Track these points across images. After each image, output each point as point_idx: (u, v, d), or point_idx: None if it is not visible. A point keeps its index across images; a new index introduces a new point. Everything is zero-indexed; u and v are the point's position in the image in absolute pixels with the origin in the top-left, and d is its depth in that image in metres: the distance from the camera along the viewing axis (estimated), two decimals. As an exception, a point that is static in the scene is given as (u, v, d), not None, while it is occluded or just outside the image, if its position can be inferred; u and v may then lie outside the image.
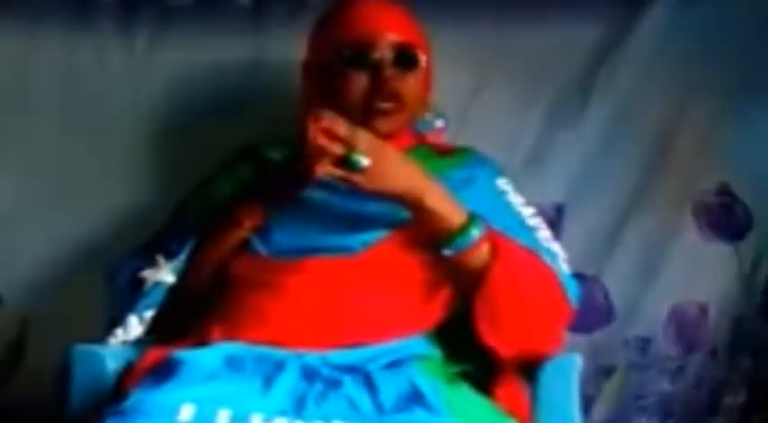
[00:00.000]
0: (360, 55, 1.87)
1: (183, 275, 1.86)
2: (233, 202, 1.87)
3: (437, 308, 1.83)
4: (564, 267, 1.87)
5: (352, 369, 1.69)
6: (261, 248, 1.84)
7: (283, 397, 1.64)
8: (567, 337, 1.86)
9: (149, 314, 1.84)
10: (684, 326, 2.30)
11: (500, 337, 1.77)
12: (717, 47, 2.28)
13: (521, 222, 1.89)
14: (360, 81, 1.87)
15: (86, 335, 1.83)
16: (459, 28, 2.23)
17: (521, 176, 2.06)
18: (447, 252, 1.76)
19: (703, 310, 2.30)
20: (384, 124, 1.87)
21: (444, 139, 2.13)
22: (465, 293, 1.78)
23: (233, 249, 1.85)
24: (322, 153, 1.71)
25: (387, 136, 1.84)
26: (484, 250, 1.76)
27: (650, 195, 2.28)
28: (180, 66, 2.24)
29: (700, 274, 2.30)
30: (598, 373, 2.27)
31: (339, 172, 1.71)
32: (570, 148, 2.28)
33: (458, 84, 2.22)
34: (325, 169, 1.71)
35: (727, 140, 2.30)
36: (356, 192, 1.74)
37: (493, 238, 1.77)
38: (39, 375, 2.13)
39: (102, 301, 1.93)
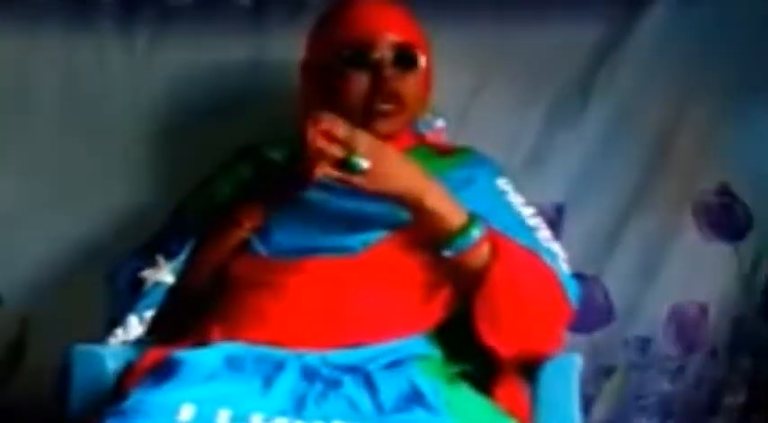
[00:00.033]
0: (360, 55, 1.87)
1: (182, 275, 1.86)
2: (233, 203, 1.87)
3: (437, 308, 1.83)
4: (564, 267, 1.87)
5: (352, 369, 1.69)
6: (261, 249, 1.84)
7: (283, 397, 1.64)
8: (567, 337, 1.86)
9: (149, 314, 1.84)
10: (684, 326, 2.30)
11: (500, 338, 1.76)
12: (717, 47, 2.28)
13: (521, 222, 1.89)
14: (360, 81, 1.87)
15: (86, 335, 1.83)
16: (459, 28, 2.22)
17: (521, 176, 2.06)
18: (447, 253, 1.76)
19: (703, 310, 2.30)
20: (384, 125, 1.87)
21: (444, 139, 2.13)
22: (465, 293, 1.78)
23: (233, 250, 1.85)
24: (321, 156, 1.71)
25: (387, 137, 1.84)
26: (484, 251, 1.76)
27: (650, 195, 2.29)
28: (180, 66, 2.24)
29: (700, 274, 2.30)
30: (598, 373, 2.27)
31: (338, 174, 1.71)
32: (570, 149, 2.28)
33: (458, 84, 2.22)
34: (324, 171, 1.71)
35: (727, 140, 2.30)
36: (356, 193, 1.74)
37: (493, 238, 1.76)
38: (39, 375, 2.13)
39: (102, 301, 1.93)
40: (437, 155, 1.97)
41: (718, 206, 2.31)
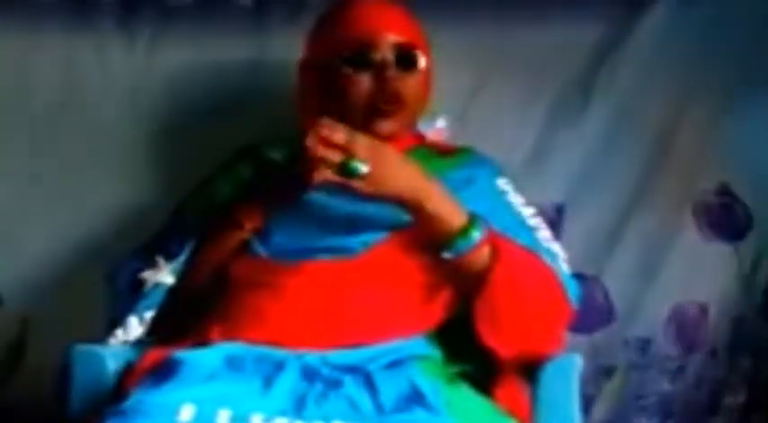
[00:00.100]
0: (361, 55, 1.87)
1: (182, 276, 1.86)
2: (233, 204, 1.87)
3: (437, 309, 1.82)
4: (564, 267, 1.87)
5: (352, 369, 1.69)
6: (261, 250, 1.84)
7: (283, 397, 1.64)
8: (567, 337, 1.86)
9: (149, 315, 1.84)
10: (684, 326, 2.30)
11: (500, 338, 1.76)
12: (717, 47, 2.28)
13: (521, 222, 1.89)
14: (362, 82, 1.87)
15: (86, 335, 1.83)
16: (459, 28, 2.22)
17: (521, 176, 2.06)
18: (447, 255, 1.75)
19: (703, 310, 2.30)
20: (386, 126, 1.87)
21: (444, 139, 2.13)
22: (465, 294, 1.78)
23: (233, 251, 1.85)
24: (321, 162, 1.71)
25: (388, 137, 1.84)
26: (484, 252, 1.75)
27: (650, 195, 2.28)
28: (180, 66, 2.24)
29: (700, 274, 2.30)
30: (598, 373, 2.27)
31: (338, 179, 1.71)
32: (570, 149, 2.28)
33: (458, 84, 2.22)
34: (323, 177, 1.72)
35: (727, 140, 2.30)
36: (356, 195, 1.74)
37: (493, 239, 1.76)
38: (39, 375, 2.13)
39: (102, 302, 1.93)
40: (437, 155, 1.96)
41: (718, 206, 2.31)
